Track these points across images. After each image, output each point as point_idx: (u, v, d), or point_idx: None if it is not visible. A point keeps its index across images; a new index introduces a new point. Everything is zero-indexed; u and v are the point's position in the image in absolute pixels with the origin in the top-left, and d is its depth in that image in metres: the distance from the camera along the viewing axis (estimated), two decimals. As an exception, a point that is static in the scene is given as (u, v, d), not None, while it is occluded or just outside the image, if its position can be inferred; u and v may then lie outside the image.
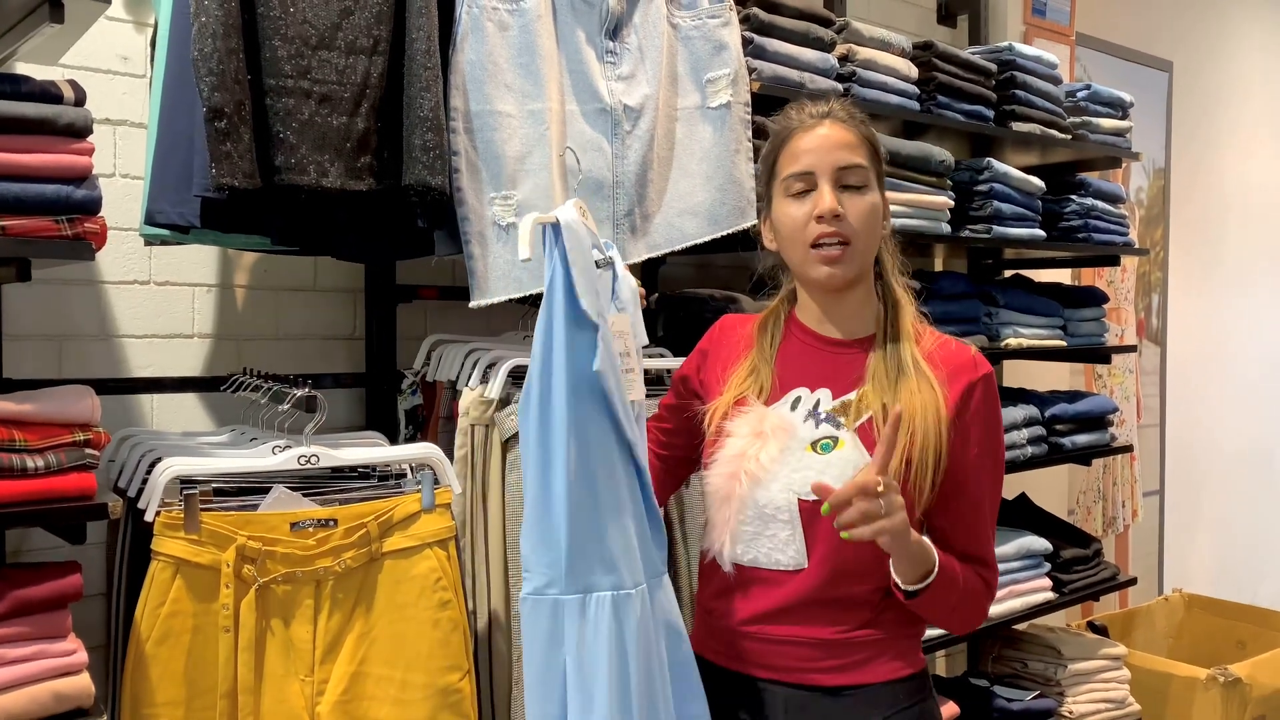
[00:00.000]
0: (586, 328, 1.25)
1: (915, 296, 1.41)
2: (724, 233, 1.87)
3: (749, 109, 1.90)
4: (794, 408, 1.36)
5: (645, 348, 1.50)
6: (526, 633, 1.24)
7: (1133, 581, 2.99)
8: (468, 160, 1.66)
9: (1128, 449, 3.01)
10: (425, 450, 1.60)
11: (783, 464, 1.31)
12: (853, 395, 1.34)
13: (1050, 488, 3.37)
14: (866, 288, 1.39)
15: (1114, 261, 3.01)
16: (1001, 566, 2.13)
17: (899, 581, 1.28)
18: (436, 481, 1.58)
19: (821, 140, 1.34)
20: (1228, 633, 3.56)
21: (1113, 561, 3.03)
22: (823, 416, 1.34)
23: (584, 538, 1.23)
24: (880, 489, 1.16)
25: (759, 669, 1.36)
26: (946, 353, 1.36)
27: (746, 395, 1.39)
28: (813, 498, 1.29)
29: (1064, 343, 2.74)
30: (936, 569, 1.27)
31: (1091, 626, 3.14)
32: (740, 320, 1.52)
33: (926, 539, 1.29)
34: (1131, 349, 3.51)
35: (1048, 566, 2.64)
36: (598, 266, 1.31)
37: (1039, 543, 2.60)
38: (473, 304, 1.67)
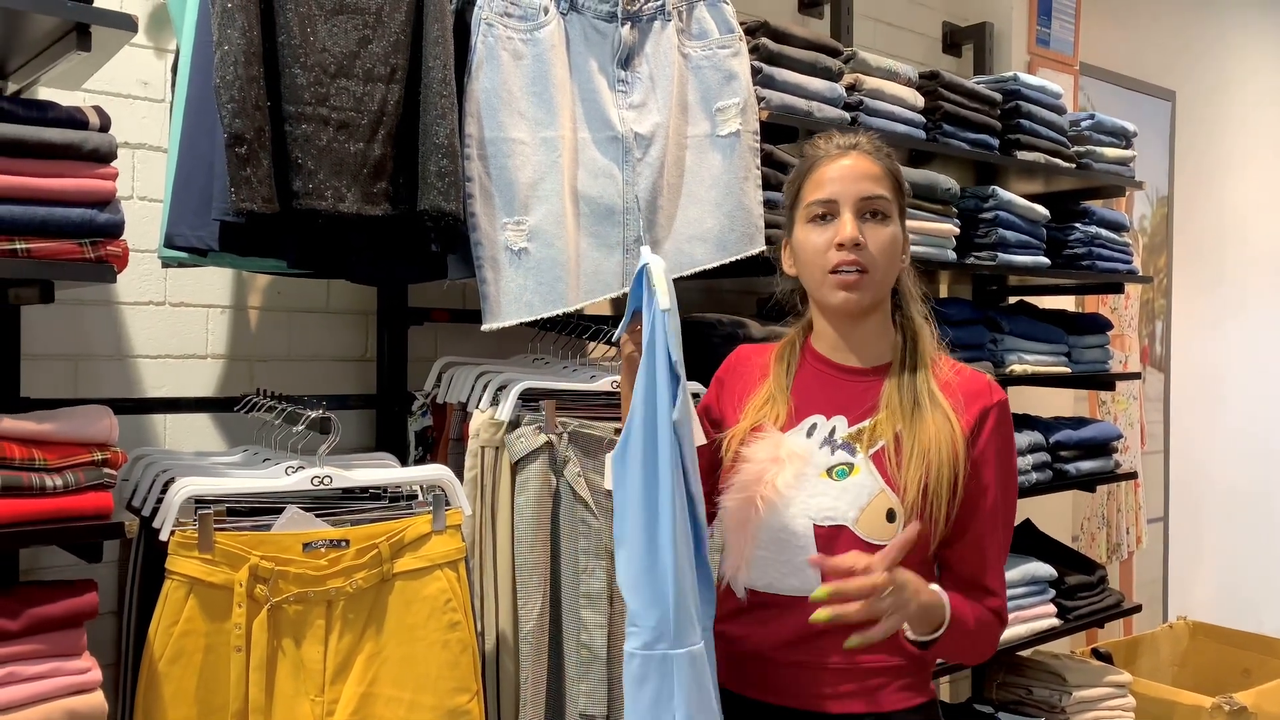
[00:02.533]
0: (675, 378, 1.28)
1: (935, 326, 1.43)
2: (732, 259, 1.89)
3: (758, 137, 1.92)
4: (810, 434, 1.37)
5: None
6: (634, 687, 1.26)
7: (1137, 609, 2.99)
8: (481, 186, 1.69)
9: (1132, 475, 3.02)
10: (436, 472, 1.62)
11: (799, 489, 1.32)
12: (868, 423, 1.35)
13: (1055, 513, 3.38)
14: (883, 317, 1.40)
15: (1118, 289, 3.03)
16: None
17: (909, 635, 1.30)
18: (447, 503, 1.59)
19: (847, 170, 1.36)
20: (1233, 661, 3.55)
21: (1117, 588, 3.03)
22: (838, 443, 1.35)
23: (684, 594, 1.26)
24: (889, 589, 1.18)
25: (772, 694, 1.37)
26: (962, 379, 1.38)
27: (763, 422, 1.39)
28: (828, 523, 1.30)
29: (1068, 369, 2.76)
30: (948, 622, 1.28)
31: (1096, 653, 3.13)
32: (756, 350, 1.52)
33: (937, 588, 1.29)
34: (1135, 376, 3.52)
35: (1052, 593, 2.65)
36: None
37: (1044, 569, 2.61)
38: (485, 327, 1.69)
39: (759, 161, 1.92)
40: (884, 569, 1.17)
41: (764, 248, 1.91)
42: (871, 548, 1.27)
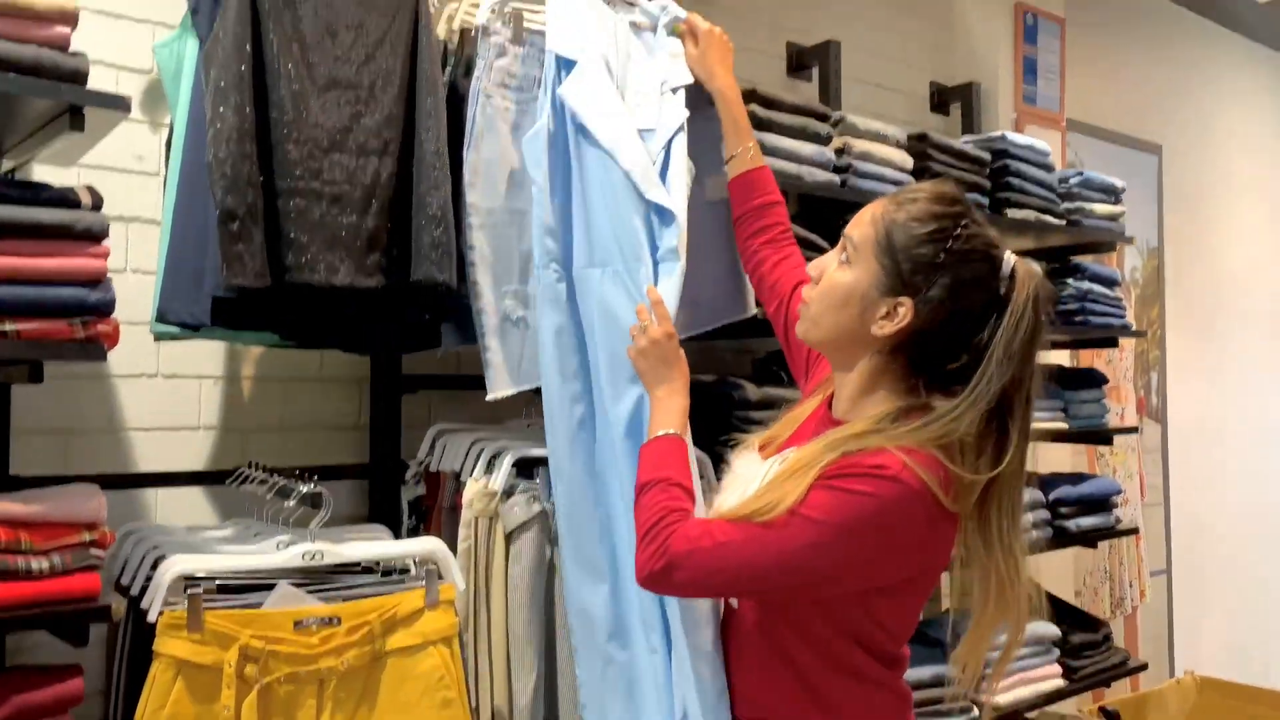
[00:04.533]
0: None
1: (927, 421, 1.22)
2: (724, 323, 1.89)
3: None
4: (780, 464, 1.31)
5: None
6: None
7: (1143, 666, 2.95)
8: (483, 255, 1.68)
9: (1133, 531, 3.00)
10: (429, 545, 1.60)
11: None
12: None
13: (1057, 570, 3.35)
14: (861, 376, 1.29)
15: (1112, 344, 3.04)
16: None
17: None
18: (440, 577, 1.57)
19: (861, 210, 1.31)
20: (1242, 715, 3.49)
21: (1122, 643, 2.99)
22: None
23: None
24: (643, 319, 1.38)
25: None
26: (862, 456, 1.19)
27: (754, 441, 1.42)
28: None
29: (1065, 425, 2.75)
30: (651, 436, 1.36)
31: (1104, 712, 3.08)
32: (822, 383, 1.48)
33: (674, 407, 1.39)
34: (1133, 430, 3.51)
35: (1057, 653, 2.61)
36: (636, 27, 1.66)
37: (1048, 629, 2.58)
38: (490, 397, 1.67)
39: None
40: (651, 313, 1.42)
41: (755, 311, 1.91)
42: None
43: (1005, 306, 1.20)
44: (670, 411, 1.39)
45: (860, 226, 1.28)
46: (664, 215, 1.56)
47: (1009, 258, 1.24)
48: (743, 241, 1.74)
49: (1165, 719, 3.54)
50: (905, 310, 1.23)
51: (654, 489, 1.28)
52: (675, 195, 1.59)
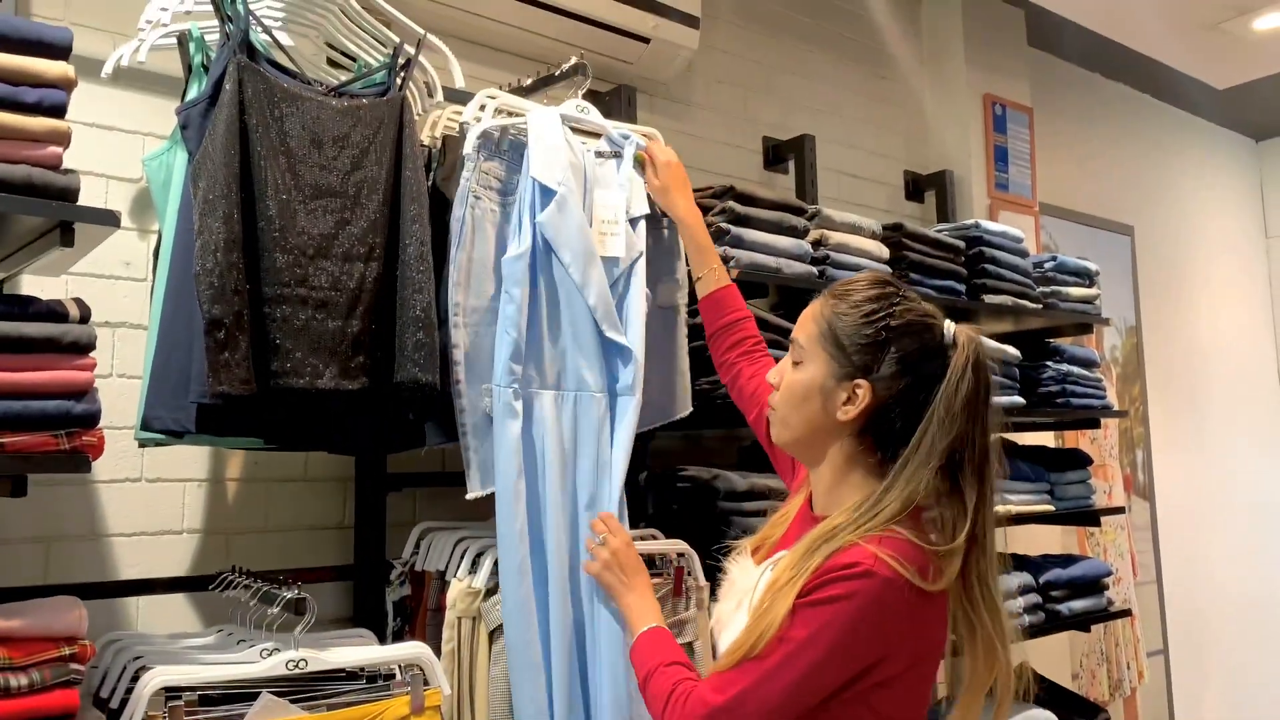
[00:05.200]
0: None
1: (927, 510, 1.27)
2: (666, 421, 1.93)
3: (688, 308, 1.97)
4: (771, 569, 1.33)
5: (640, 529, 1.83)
6: None
7: (1144, 752, 2.90)
8: (465, 353, 1.70)
9: (1126, 613, 2.98)
10: (414, 650, 1.58)
11: (737, 613, 1.36)
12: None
13: (1053, 652, 3.31)
14: (833, 467, 1.34)
15: (1094, 424, 3.06)
16: (1006, 746, 2.07)
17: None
18: (426, 682, 1.55)
19: (803, 312, 1.40)
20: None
21: (1122, 730, 2.94)
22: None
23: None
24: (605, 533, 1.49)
25: None
26: (841, 557, 1.22)
27: (746, 546, 1.47)
28: None
29: (1052, 507, 2.76)
30: (635, 637, 1.42)
31: (1107, 800, 3.02)
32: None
33: (647, 607, 1.47)
34: (1119, 510, 3.51)
35: (1055, 740, 2.57)
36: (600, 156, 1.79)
37: (1044, 716, 2.54)
38: (470, 495, 1.68)
39: (686, 331, 1.97)
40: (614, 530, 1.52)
41: (690, 409, 1.94)
42: None
43: (949, 365, 1.28)
44: (646, 611, 1.49)
45: (804, 327, 1.37)
46: (622, 352, 1.74)
47: (949, 326, 1.32)
48: (719, 356, 1.80)
49: (1171, 804, 3.46)
50: (863, 391, 1.30)
51: (660, 671, 1.35)
52: (634, 323, 1.76)
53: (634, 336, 1.75)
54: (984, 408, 1.28)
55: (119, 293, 1.85)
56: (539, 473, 1.64)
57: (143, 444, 1.70)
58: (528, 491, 1.64)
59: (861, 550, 1.20)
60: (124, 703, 1.43)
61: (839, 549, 1.22)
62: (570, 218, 1.71)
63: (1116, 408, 3.11)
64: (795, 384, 1.35)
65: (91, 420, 1.35)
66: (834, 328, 1.33)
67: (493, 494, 1.72)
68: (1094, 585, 2.80)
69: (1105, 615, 2.83)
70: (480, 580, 1.72)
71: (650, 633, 1.43)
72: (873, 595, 1.19)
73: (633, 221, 1.81)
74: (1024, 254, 2.82)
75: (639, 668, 1.38)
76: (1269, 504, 4.82)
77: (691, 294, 2.02)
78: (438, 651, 1.66)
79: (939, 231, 2.67)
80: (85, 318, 1.38)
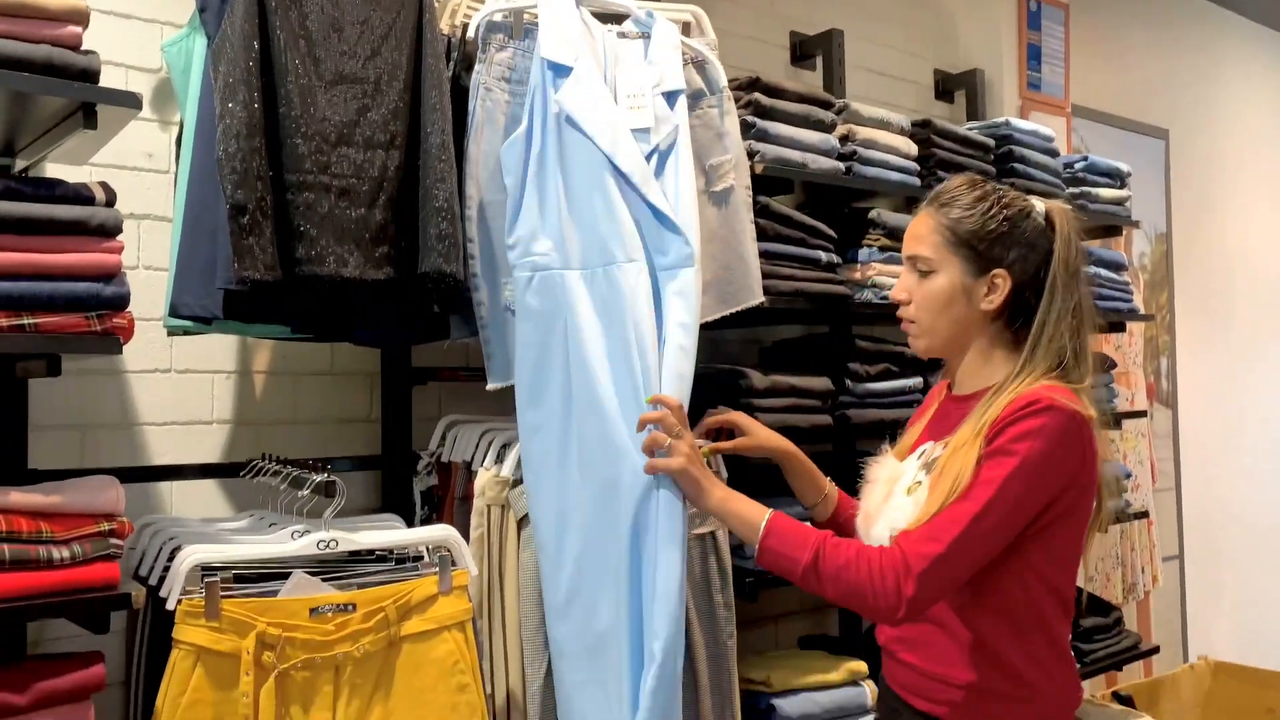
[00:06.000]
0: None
1: (1073, 363, 1.44)
2: (732, 310, 1.90)
3: (750, 191, 1.94)
4: (919, 458, 1.51)
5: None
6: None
7: (1155, 650, 2.95)
8: (481, 248, 1.70)
9: (1144, 515, 3.00)
10: (442, 532, 1.62)
11: (886, 505, 1.48)
12: (942, 447, 1.45)
13: (1067, 555, 3.34)
14: (980, 349, 1.50)
15: (1120, 328, 3.04)
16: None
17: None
18: (453, 563, 1.59)
19: (907, 231, 1.53)
20: (1256, 700, 3.49)
21: (1135, 629, 2.99)
22: (926, 463, 1.47)
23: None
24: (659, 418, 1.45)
25: (899, 688, 1.49)
26: (1017, 401, 1.37)
27: (887, 449, 1.60)
28: (899, 533, 1.41)
29: (1074, 409, 2.75)
30: (763, 529, 1.39)
31: (1117, 697, 3.08)
32: (940, 387, 1.65)
33: (745, 502, 1.44)
34: (1142, 414, 3.51)
35: (1068, 636, 2.62)
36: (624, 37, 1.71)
37: (1058, 612, 2.58)
38: (490, 387, 1.70)
39: (753, 215, 1.94)
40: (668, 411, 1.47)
41: (763, 299, 1.92)
42: None
43: (1054, 241, 1.46)
44: (745, 505, 1.45)
45: (923, 241, 1.49)
46: (662, 219, 1.61)
47: (1039, 204, 1.50)
48: None
49: (1178, 704, 3.54)
50: (1002, 280, 1.45)
51: (825, 552, 1.36)
52: (684, 197, 1.65)
53: (685, 209, 1.64)
54: (1084, 268, 1.49)
55: (143, 184, 1.85)
56: (565, 360, 1.58)
57: (171, 332, 1.72)
58: (551, 382, 1.59)
59: (1036, 393, 1.36)
60: (162, 580, 1.48)
61: (1011, 400, 1.36)
62: (590, 90, 1.62)
63: (1143, 313, 3.08)
64: (934, 292, 1.48)
65: (121, 303, 1.37)
66: (958, 233, 1.46)
67: (512, 385, 1.73)
68: (1112, 485, 2.82)
69: (1123, 516, 2.85)
70: (507, 469, 1.74)
71: (775, 520, 1.40)
72: (1058, 426, 1.34)
73: (668, 97, 1.71)
74: (1054, 154, 2.76)
75: (791, 563, 1.37)
76: (1293, 415, 4.80)
77: (754, 177, 2.00)
78: (466, 537, 1.69)
79: (969, 130, 2.62)
80: (111, 201, 1.38)
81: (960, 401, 1.51)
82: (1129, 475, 2.91)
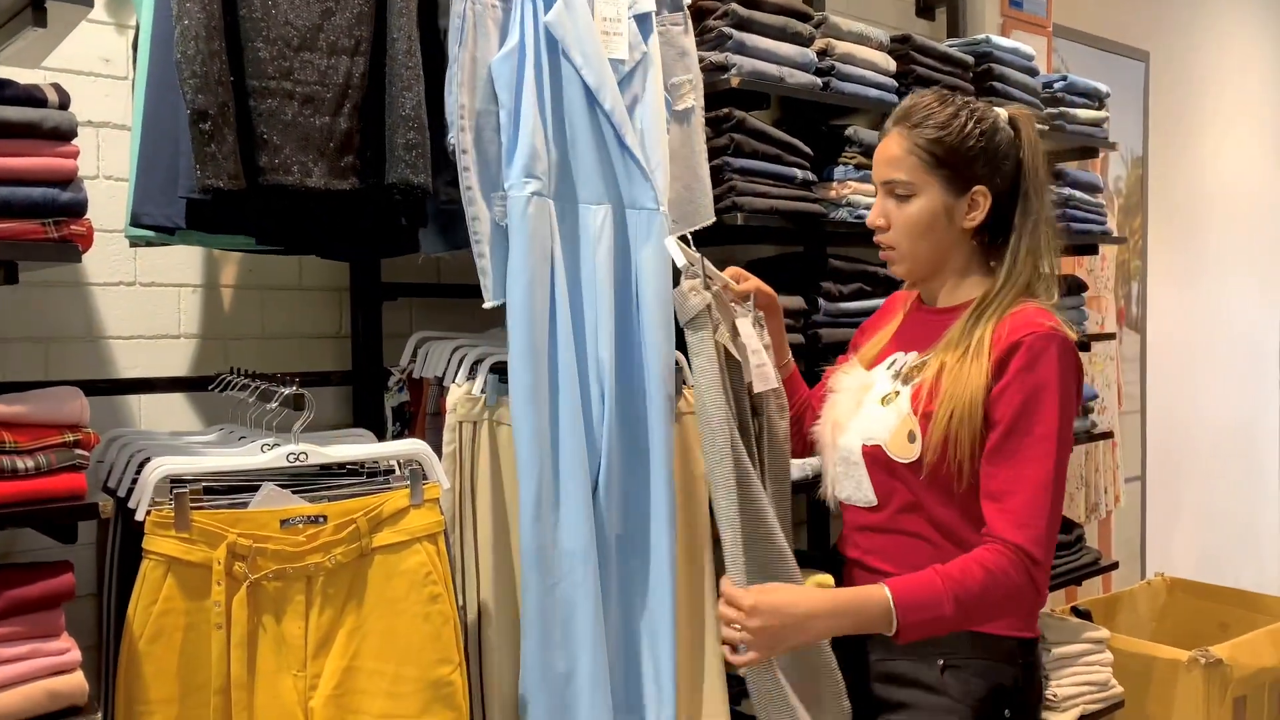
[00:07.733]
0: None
1: (1046, 278, 1.47)
2: (690, 230, 1.88)
3: (703, 112, 1.90)
4: (890, 367, 1.52)
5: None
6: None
7: (1114, 566, 3.03)
8: (475, 159, 1.64)
9: (1108, 435, 3.05)
10: (413, 446, 1.62)
11: (857, 415, 1.49)
12: (920, 358, 1.46)
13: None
14: (957, 267, 1.50)
15: (1092, 250, 3.05)
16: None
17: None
18: (425, 477, 1.59)
19: (878, 155, 1.50)
20: (1210, 615, 3.61)
21: (1095, 547, 3.07)
22: (898, 374, 1.48)
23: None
24: (735, 615, 1.33)
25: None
26: (1012, 324, 1.40)
27: (851, 356, 1.60)
28: (870, 443, 1.45)
29: (1044, 331, 2.77)
30: (895, 618, 1.31)
31: (1075, 611, 3.18)
32: (904, 296, 1.66)
33: (842, 602, 1.35)
34: (1111, 336, 3.55)
35: (1030, 552, 2.68)
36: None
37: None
38: (487, 304, 1.65)
39: (704, 136, 1.90)
40: (738, 602, 1.33)
41: (713, 219, 1.90)
42: (897, 465, 1.44)
43: (1021, 150, 1.47)
44: (851, 603, 1.36)
45: (900, 164, 1.46)
46: (636, 164, 1.62)
47: (1003, 112, 1.50)
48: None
49: (1135, 618, 3.65)
50: (982, 196, 1.45)
51: (958, 595, 1.32)
52: (652, 132, 1.66)
53: (653, 146, 1.65)
54: (1049, 166, 1.51)
55: (101, 91, 1.80)
56: (551, 288, 1.58)
57: (133, 242, 1.68)
58: (540, 306, 1.59)
59: (1029, 315, 1.39)
60: (130, 491, 1.47)
61: (1003, 316, 1.39)
62: (580, 15, 1.60)
63: (1116, 235, 3.09)
64: (915, 215, 1.46)
65: (79, 209, 1.33)
66: (934, 153, 1.44)
67: (498, 307, 1.71)
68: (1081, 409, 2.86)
69: (1088, 437, 2.90)
70: (478, 387, 1.74)
71: (900, 601, 1.32)
72: (1068, 354, 1.38)
73: (640, 20, 1.68)
74: (1034, 73, 2.73)
75: (936, 625, 1.34)
76: (1259, 340, 4.87)
77: (730, 91, 2.00)
78: (438, 453, 1.69)
79: (948, 46, 2.58)
80: (65, 103, 1.34)
81: (936, 314, 1.51)
82: (1095, 397, 2.94)
